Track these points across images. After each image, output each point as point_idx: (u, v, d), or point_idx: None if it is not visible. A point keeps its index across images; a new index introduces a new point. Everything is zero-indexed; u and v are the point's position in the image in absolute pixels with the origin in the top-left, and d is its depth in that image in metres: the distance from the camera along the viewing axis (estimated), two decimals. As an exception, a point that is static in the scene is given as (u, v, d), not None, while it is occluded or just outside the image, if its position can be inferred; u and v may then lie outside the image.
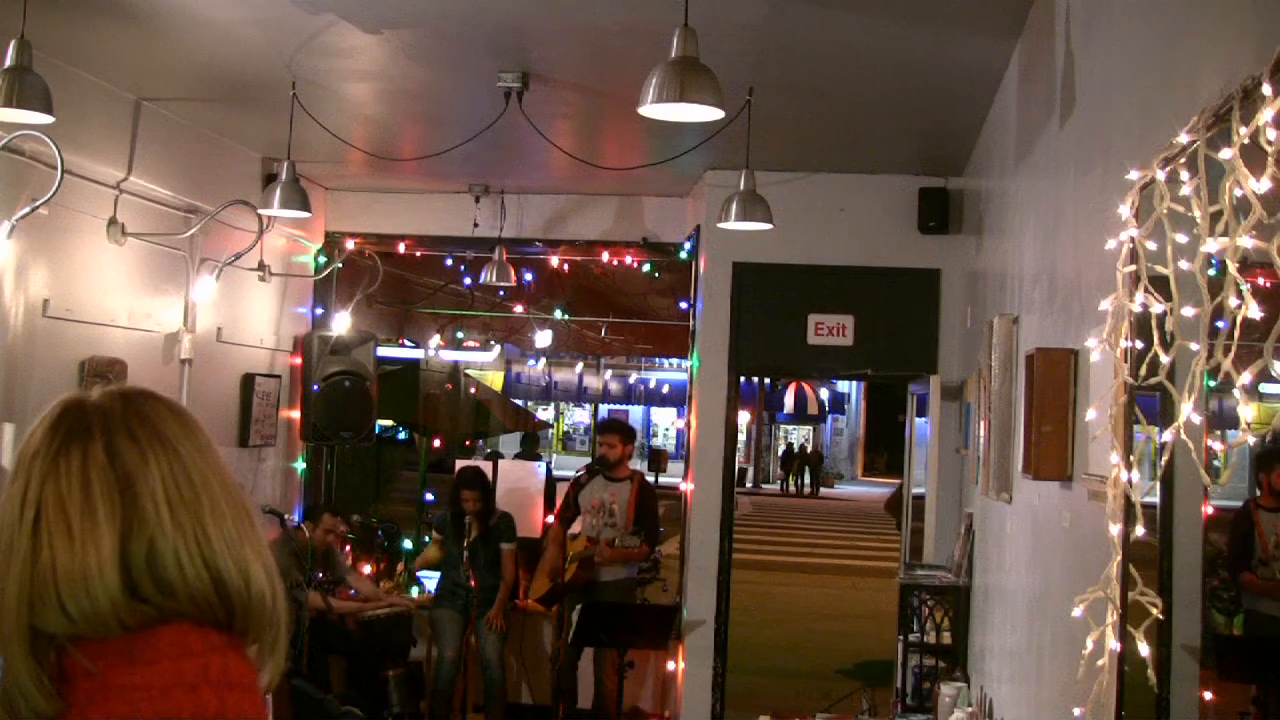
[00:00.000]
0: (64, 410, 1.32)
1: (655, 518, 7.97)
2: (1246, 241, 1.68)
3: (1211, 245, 1.81)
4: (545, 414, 31.19)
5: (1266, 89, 1.62)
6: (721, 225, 5.98)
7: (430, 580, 8.33)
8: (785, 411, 38.63)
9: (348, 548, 8.31)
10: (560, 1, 4.88)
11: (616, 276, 10.32)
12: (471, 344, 15.80)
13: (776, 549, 18.99)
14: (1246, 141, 1.70)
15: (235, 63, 5.82)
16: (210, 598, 1.28)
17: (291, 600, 7.02)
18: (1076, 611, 2.51)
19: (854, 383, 35.18)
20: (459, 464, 8.45)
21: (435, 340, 13.83)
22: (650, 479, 8.35)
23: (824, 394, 38.56)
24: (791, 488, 35.41)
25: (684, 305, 8.54)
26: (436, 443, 13.56)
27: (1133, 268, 2.29)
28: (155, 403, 1.37)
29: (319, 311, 8.79)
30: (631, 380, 32.74)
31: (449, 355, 15.27)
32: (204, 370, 7.25)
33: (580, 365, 29.02)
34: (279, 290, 8.25)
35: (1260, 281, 1.73)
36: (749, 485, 34.31)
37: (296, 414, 8.41)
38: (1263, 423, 2.07)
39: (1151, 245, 2.20)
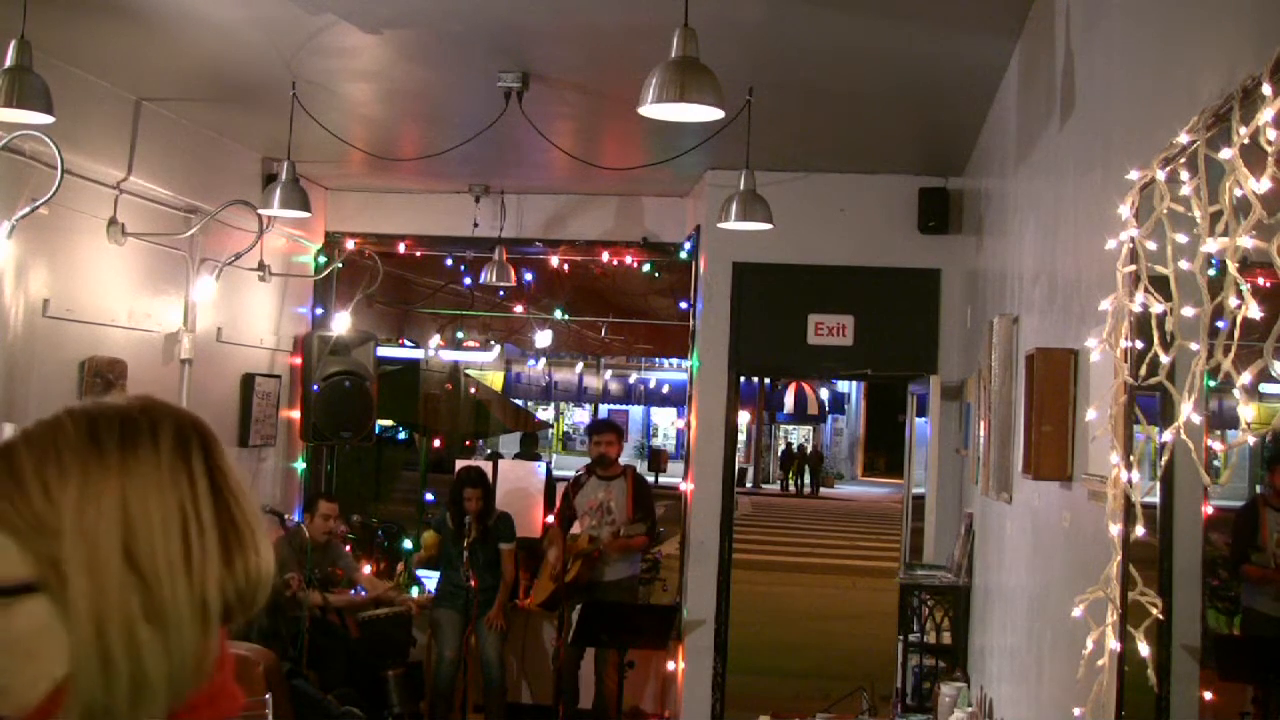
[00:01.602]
0: (184, 417, 1.21)
1: (653, 505, 8.01)
2: (1246, 241, 1.68)
3: (1211, 245, 1.81)
4: (545, 414, 31.19)
5: (1266, 89, 1.62)
6: (721, 225, 5.98)
7: (430, 579, 8.34)
8: (785, 411, 38.63)
9: (348, 547, 8.32)
10: (560, 1, 4.88)
11: (616, 276, 10.32)
12: (471, 344, 15.81)
13: (776, 549, 18.99)
14: (1246, 141, 1.70)
15: (235, 63, 5.82)
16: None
17: (292, 601, 7.05)
18: (1076, 611, 2.51)
19: (854, 383, 35.18)
20: (459, 464, 8.45)
21: (435, 340, 13.84)
22: (649, 478, 8.35)
23: (824, 394, 38.56)
24: (791, 488, 35.42)
25: (684, 305, 8.54)
26: (436, 443, 13.56)
27: (1133, 268, 2.29)
28: None
29: (319, 311, 8.79)
30: (631, 380, 32.77)
31: (449, 355, 15.27)
32: (204, 370, 7.25)
33: (580, 365, 29.05)
34: (279, 290, 8.25)
35: (1260, 281, 1.73)
36: (749, 485, 34.31)
37: (296, 414, 8.41)
38: (1263, 423, 2.07)
39: (1151, 245, 2.20)
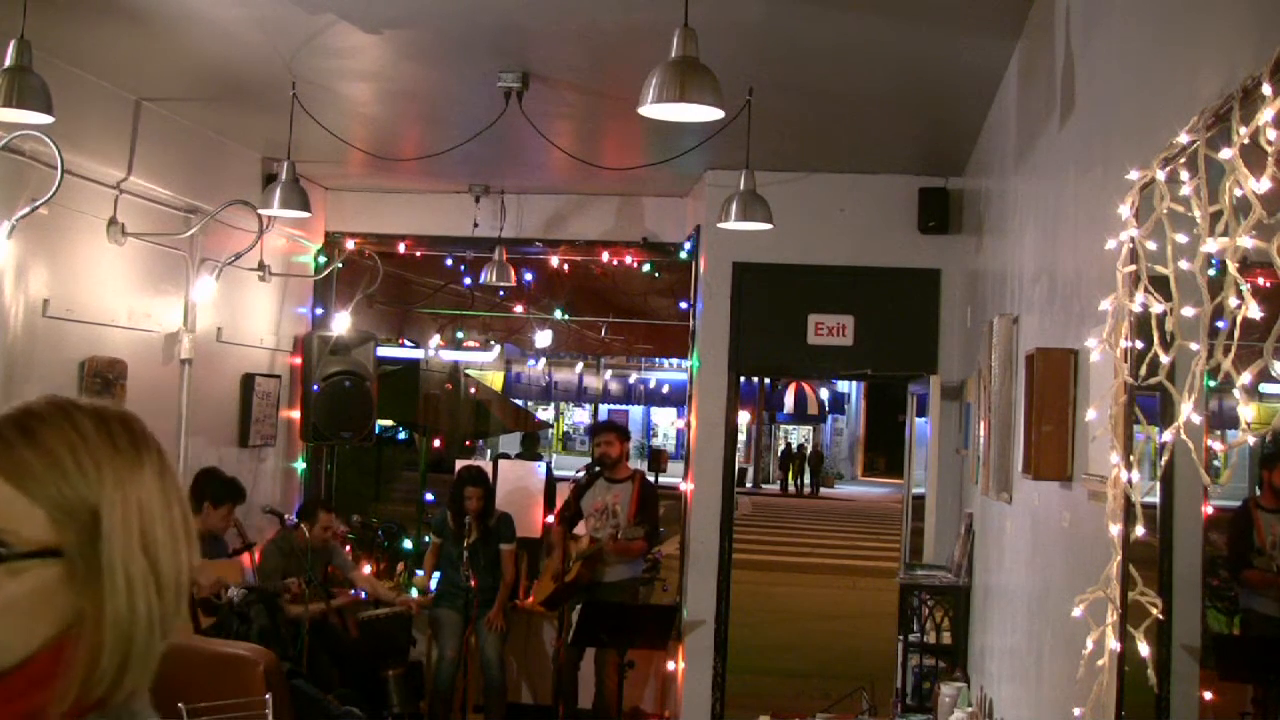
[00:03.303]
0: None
1: (656, 513, 8.00)
2: (1246, 241, 1.68)
3: (1211, 245, 1.81)
4: (545, 414, 31.19)
5: (1266, 89, 1.62)
6: (721, 225, 5.98)
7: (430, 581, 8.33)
8: (785, 411, 38.62)
9: (348, 547, 8.31)
10: (560, 1, 4.88)
11: (616, 276, 10.32)
12: (471, 344, 15.80)
13: (776, 549, 19.00)
14: (1246, 141, 1.70)
15: (235, 63, 5.82)
16: None
17: (294, 603, 7.04)
18: (1076, 611, 2.50)
19: (854, 383, 35.17)
20: (459, 464, 8.45)
21: (435, 340, 13.83)
22: (650, 479, 8.35)
23: (824, 394, 38.55)
24: (791, 488, 35.41)
25: (684, 305, 8.53)
26: (436, 443, 13.55)
27: (1133, 268, 2.29)
28: None
29: (319, 311, 8.79)
30: (631, 380, 32.76)
31: (449, 355, 15.26)
32: (204, 370, 7.25)
33: (580, 365, 29.05)
34: (279, 290, 8.25)
35: (1260, 281, 1.73)
36: (749, 485, 34.31)
37: (296, 414, 8.41)
38: (1263, 423, 2.07)
39: (1151, 245, 2.20)
